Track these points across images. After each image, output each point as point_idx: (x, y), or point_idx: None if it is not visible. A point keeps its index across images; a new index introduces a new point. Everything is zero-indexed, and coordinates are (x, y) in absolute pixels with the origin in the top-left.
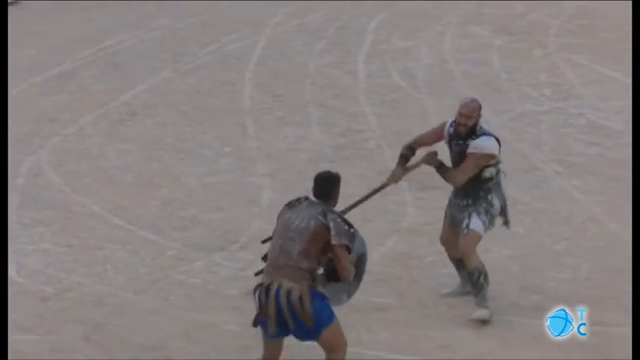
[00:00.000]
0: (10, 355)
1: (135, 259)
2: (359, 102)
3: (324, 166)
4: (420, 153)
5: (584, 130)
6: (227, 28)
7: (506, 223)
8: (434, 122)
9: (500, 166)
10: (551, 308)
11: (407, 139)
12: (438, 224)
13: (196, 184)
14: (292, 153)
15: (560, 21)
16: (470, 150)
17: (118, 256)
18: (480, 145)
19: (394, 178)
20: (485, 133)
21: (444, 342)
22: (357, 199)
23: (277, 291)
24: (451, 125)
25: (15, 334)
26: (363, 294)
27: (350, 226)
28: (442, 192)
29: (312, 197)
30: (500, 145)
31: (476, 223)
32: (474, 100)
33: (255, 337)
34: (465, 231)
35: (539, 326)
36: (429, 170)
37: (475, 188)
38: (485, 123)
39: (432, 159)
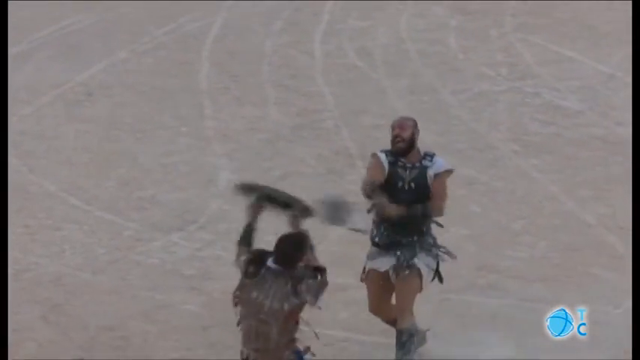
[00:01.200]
0: None
1: (92, 239)
2: (316, 82)
3: (281, 146)
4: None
5: (540, 109)
6: (184, 9)
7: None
8: (391, 101)
9: None
10: (508, 287)
11: (365, 118)
12: None
13: (154, 164)
14: (249, 133)
15: (516, 1)
16: (436, 171)
17: (76, 236)
18: (443, 164)
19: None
20: (431, 153)
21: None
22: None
23: None
24: (386, 155)
25: None
26: None
27: (320, 271)
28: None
29: (271, 263)
30: None
31: (422, 266)
32: (408, 118)
33: (214, 317)
34: (407, 272)
35: (497, 305)
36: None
37: (416, 221)
38: (442, 103)
39: (392, 212)
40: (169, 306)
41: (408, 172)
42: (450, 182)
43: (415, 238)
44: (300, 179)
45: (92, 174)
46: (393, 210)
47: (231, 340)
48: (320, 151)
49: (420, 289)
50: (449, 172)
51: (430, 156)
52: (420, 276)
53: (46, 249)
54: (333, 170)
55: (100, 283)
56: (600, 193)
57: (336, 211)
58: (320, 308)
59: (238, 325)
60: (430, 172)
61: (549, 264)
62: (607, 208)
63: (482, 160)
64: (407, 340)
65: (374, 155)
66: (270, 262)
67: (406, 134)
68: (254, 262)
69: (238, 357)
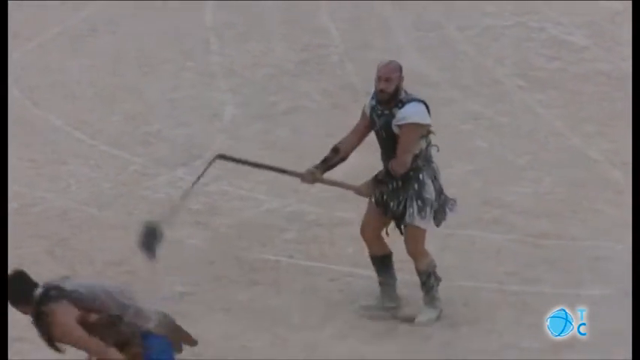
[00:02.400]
0: None
1: (98, 174)
2: (321, 17)
3: (286, 81)
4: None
5: (546, 44)
6: None
7: (436, 217)
8: (396, 37)
9: (432, 137)
10: (513, 222)
11: (370, 54)
12: None
13: (159, 99)
14: (254, 68)
15: None
16: (399, 122)
17: (82, 171)
18: (408, 113)
19: (308, 178)
20: (412, 99)
21: (405, 256)
22: (256, 162)
23: None
24: (372, 98)
25: None
26: (327, 209)
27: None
28: None
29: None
30: (429, 111)
31: (414, 217)
32: (392, 61)
33: (219, 252)
34: (405, 228)
35: (501, 240)
36: None
37: (390, 158)
38: (448, 38)
39: (368, 189)
40: (175, 241)
41: (379, 119)
42: (455, 117)
43: (399, 183)
44: (305, 114)
45: (97, 108)
46: (366, 189)
47: (236, 274)
48: (325, 86)
49: (423, 232)
50: (415, 125)
51: (403, 103)
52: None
53: (52, 183)
54: (338, 105)
55: (106, 217)
56: (605, 129)
57: (149, 239)
58: None
59: None
60: (393, 122)
61: (554, 199)
62: (611, 143)
63: (487, 95)
64: (426, 279)
65: (365, 105)
66: None
67: (391, 88)
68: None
69: (244, 291)
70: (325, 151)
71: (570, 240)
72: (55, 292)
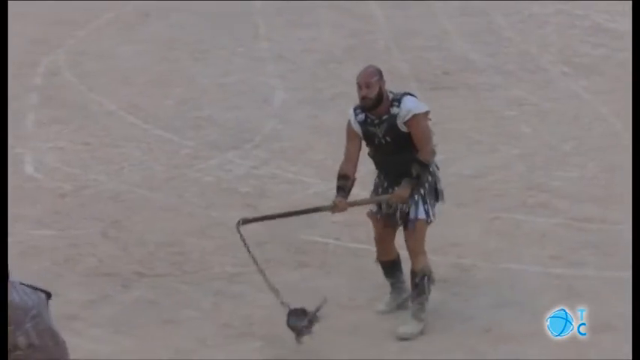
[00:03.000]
0: (28, 250)
1: (150, 157)
2: (368, 3)
3: (333, 67)
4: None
5: (590, 31)
6: None
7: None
8: (441, 23)
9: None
10: (558, 206)
11: (416, 40)
12: (448, 123)
13: (210, 84)
14: (303, 54)
15: None
16: (405, 118)
17: (134, 154)
18: (410, 107)
19: (340, 207)
20: (404, 94)
21: (453, 238)
22: (281, 213)
23: None
24: (355, 114)
25: (34, 229)
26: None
27: None
28: (451, 91)
29: None
30: None
31: (420, 211)
32: (369, 67)
33: (269, 234)
34: (412, 225)
35: (546, 224)
36: (440, 71)
37: (405, 160)
38: (493, 24)
39: (405, 191)
40: (225, 223)
41: (378, 128)
42: (500, 103)
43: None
44: (351, 99)
45: (150, 93)
46: (404, 192)
47: (285, 255)
48: None
49: (426, 228)
50: (422, 114)
51: (398, 100)
52: (424, 220)
53: (106, 166)
54: None
55: (157, 200)
56: None
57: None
58: None
59: None
60: (399, 122)
61: (598, 184)
62: None
63: (532, 82)
64: (420, 281)
65: (348, 124)
66: None
67: (373, 93)
68: None
69: (292, 272)
70: None
71: (614, 224)
72: None
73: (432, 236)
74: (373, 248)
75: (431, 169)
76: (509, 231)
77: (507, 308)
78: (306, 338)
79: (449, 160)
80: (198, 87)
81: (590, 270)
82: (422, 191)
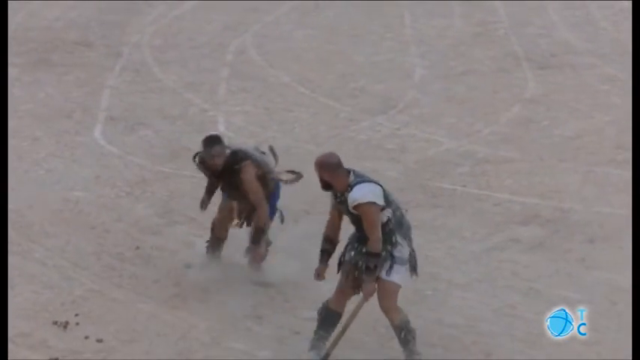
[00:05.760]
0: None
1: (316, 119)
2: None
3: (463, 49)
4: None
5: None
6: None
7: (414, 269)
8: (550, 15)
9: (390, 211)
10: None
11: (529, 29)
12: (553, 95)
13: (364, 62)
14: (439, 39)
15: None
16: (351, 206)
17: (303, 116)
18: (357, 196)
19: (320, 276)
20: (357, 182)
21: (555, 187)
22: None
23: None
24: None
25: None
26: (493, 149)
27: None
28: (556, 70)
29: None
30: (382, 187)
31: (390, 273)
32: (320, 161)
33: (408, 181)
34: (379, 283)
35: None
36: (548, 54)
37: (365, 236)
38: (591, 16)
39: (370, 285)
40: (376, 171)
41: (341, 205)
42: (596, 79)
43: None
44: (477, 75)
45: (317, 68)
46: (370, 288)
47: (421, 199)
48: (493, 54)
49: (399, 287)
50: (366, 204)
51: (351, 187)
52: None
53: (281, 126)
54: (503, 69)
55: (320, 153)
56: None
57: None
58: None
59: None
60: (349, 206)
61: None
62: None
63: (622, 63)
64: (401, 334)
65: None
66: None
67: (323, 183)
68: None
69: (427, 212)
70: (491, 103)
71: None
72: (242, 154)
73: (538, 184)
74: (491, 194)
75: (394, 240)
76: (601, 182)
77: (598, 242)
78: None
79: (553, 124)
80: (354, 64)
81: None
82: (391, 258)
